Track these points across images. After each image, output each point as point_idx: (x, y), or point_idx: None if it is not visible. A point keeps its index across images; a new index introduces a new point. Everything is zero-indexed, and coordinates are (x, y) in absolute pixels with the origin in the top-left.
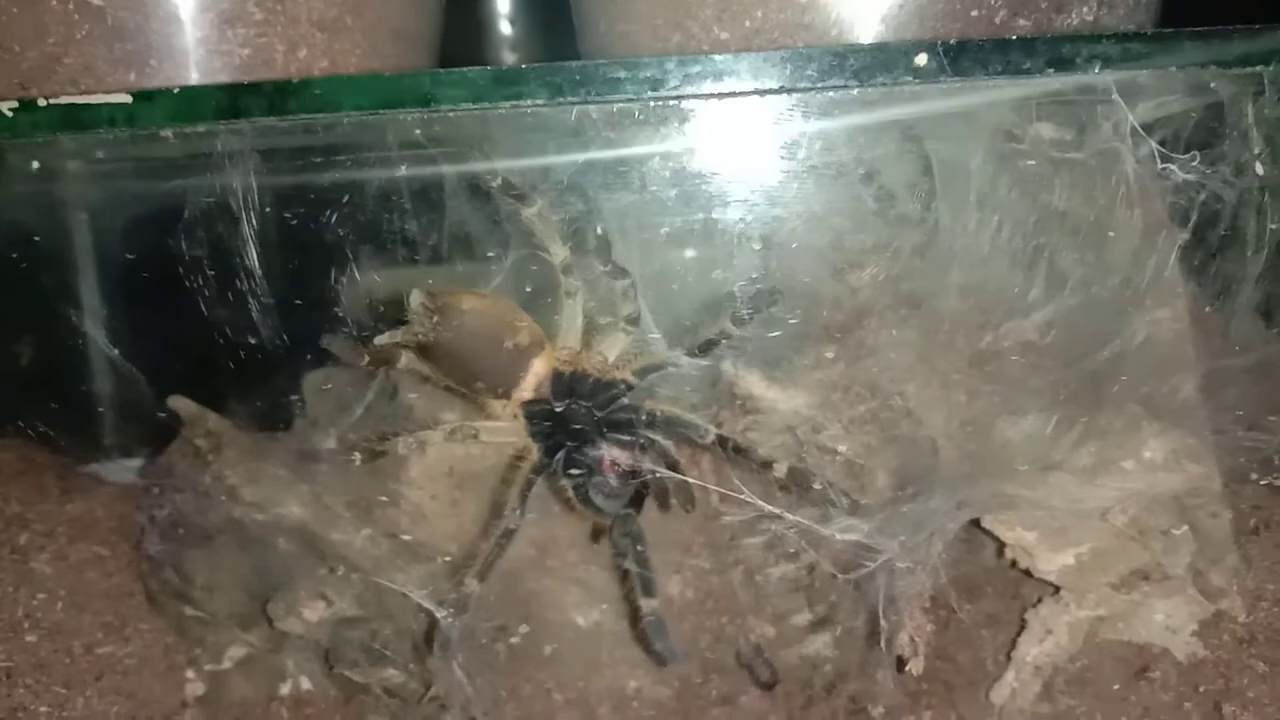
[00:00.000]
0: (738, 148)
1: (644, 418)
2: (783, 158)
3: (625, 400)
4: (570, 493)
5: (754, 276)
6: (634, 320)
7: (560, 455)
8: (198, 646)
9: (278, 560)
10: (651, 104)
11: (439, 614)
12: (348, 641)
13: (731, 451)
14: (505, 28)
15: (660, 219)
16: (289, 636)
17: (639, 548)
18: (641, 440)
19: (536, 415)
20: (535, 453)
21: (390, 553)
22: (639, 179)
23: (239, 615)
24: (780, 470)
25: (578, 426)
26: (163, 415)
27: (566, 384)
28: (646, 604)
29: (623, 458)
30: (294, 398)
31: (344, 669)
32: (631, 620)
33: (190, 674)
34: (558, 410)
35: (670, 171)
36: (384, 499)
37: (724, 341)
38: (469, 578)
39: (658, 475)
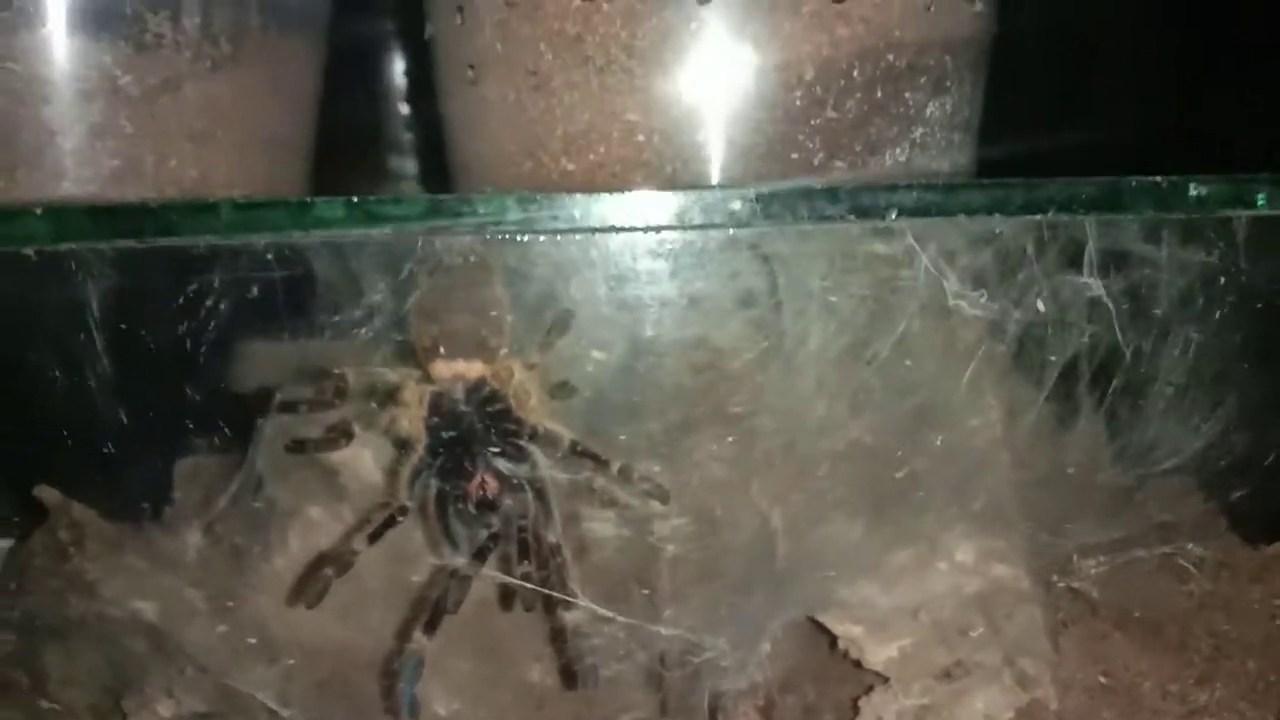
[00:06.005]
0: (571, 279)
1: (527, 468)
2: (612, 289)
3: (522, 442)
4: (432, 493)
5: (588, 396)
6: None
7: (442, 457)
8: None
9: (132, 656)
10: (490, 236)
11: (284, 714)
12: None
13: (542, 554)
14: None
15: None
16: None
17: (456, 597)
18: (516, 483)
19: (442, 407)
20: (421, 446)
21: (243, 651)
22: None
23: (94, 707)
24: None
25: (471, 438)
26: (26, 506)
27: (484, 395)
28: (420, 638)
29: (492, 486)
30: (161, 488)
31: None
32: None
33: None
34: (462, 411)
35: (509, 297)
36: (246, 591)
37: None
38: (357, 539)
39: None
